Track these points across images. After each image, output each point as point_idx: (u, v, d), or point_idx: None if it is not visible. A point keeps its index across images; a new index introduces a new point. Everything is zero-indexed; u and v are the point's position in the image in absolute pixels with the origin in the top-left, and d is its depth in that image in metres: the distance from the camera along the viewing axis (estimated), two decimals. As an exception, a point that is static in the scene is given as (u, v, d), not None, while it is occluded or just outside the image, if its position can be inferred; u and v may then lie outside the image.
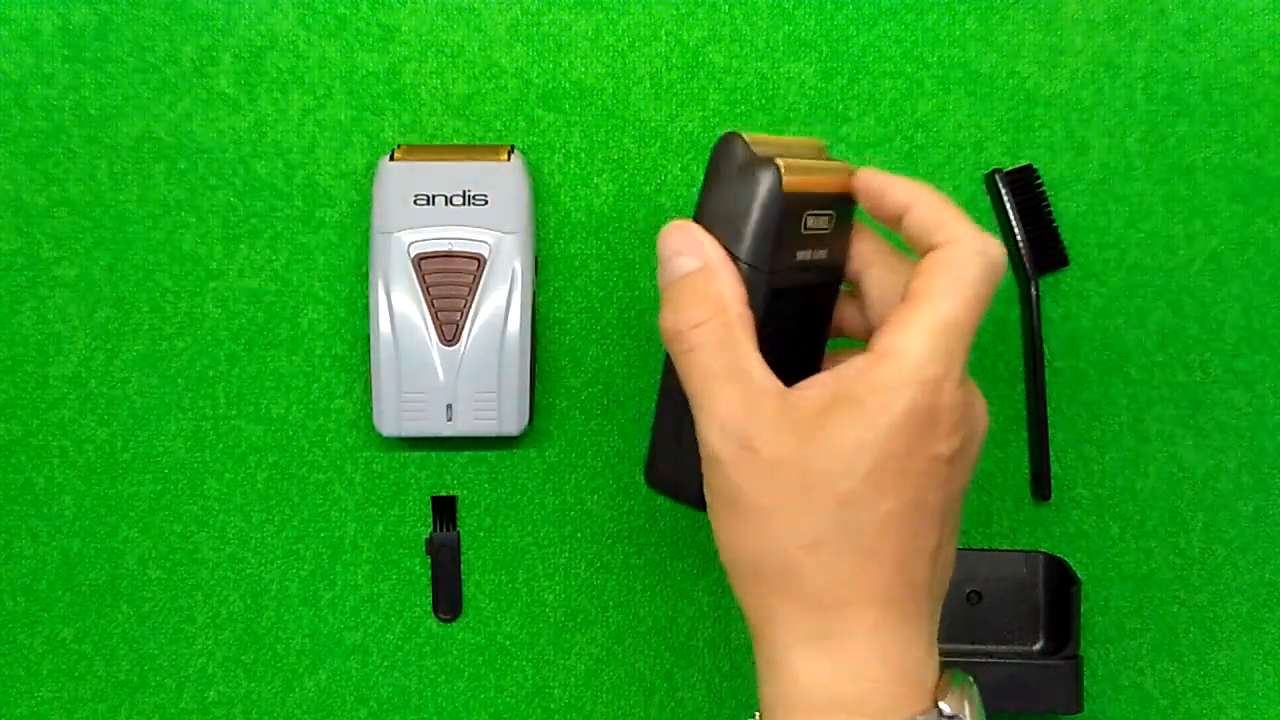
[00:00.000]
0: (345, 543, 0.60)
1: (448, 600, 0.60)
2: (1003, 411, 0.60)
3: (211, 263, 0.59)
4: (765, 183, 0.41)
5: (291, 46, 0.58)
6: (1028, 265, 0.59)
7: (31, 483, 0.59)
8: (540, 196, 0.59)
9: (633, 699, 0.60)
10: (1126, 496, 0.60)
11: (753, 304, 0.41)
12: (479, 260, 0.56)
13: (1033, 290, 0.59)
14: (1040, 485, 0.60)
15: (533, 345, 0.58)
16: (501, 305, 0.56)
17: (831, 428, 0.39)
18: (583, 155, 0.59)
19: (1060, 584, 0.59)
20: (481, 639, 0.60)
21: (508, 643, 0.60)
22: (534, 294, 0.58)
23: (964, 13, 0.59)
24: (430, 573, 0.60)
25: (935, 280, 0.41)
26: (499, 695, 0.60)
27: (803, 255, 0.44)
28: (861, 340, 0.47)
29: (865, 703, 0.40)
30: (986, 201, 0.59)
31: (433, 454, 0.60)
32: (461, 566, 0.60)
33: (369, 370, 0.58)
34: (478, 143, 0.59)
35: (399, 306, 0.56)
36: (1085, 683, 0.59)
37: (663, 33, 0.59)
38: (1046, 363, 0.59)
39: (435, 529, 0.60)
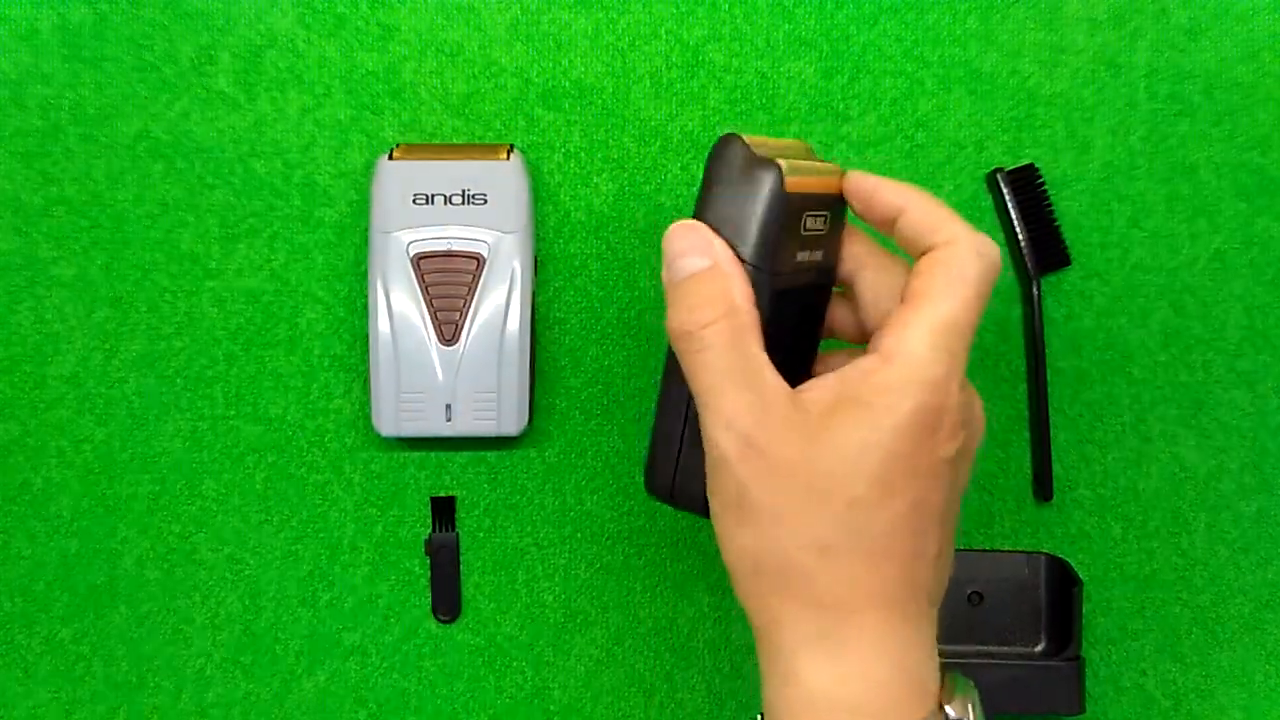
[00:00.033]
0: (344, 543, 0.60)
1: (447, 601, 0.60)
2: (1004, 411, 0.60)
3: (209, 262, 0.59)
4: (768, 183, 0.41)
5: (290, 45, 0.58)
6: (1030, 265, 0.58)
7: (29, 483, 0.59)
8: (540, 196, 0.59)
9: (633, 700, 0.60)
10: (1129, 497, 0.60)
11: (758, 305, 0.41)
12: (478, 260, 0.56)
13: (1035, 290, 0.59)
14: (1042, 485, 0.59)
15: (532, 345, 0.57)
16: (501, 305, 0.56)
17: (838, 430, 0.39)
18: (582, 154, 0.59)
19: (1062, 585, 0.58)
20: (481, 640, 0.60)
21: (507, 644, 0.60)
22: (533, 294, 0.58)
23: (965, 11, 0.59)
24: (429, 573, 0.60)
25: (935, 281, 0.41)
26: (498, 697, 0.60)
27: (802, 256, 0.43)
28: (852, 341, 0.47)
29: (871, 705, 0.40)
30: (988, 201, 0.59)
31: (432, 454, 0.60)
32: (461, 567, 0.60)
33: (368, 370, 0.58)
34: (477, 142, 0.59)
35: (398, 306, 0.56)
36: (1087, 684, 0.59)
37: (663, 31, 0.59)
38: (1048, 362, 0.59)
39: (434, 529, 0.60)
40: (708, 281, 0.41)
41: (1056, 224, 0.59)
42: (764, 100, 0.59)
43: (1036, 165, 0.59)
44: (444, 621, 0.60)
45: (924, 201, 0.42)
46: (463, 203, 0.56)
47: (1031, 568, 0.59)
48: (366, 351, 0.58)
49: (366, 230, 0.57)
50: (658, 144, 0.59)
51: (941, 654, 0.42)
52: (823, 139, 0.59)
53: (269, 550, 0.60)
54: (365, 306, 0.58)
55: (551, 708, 0.60)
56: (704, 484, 0.42)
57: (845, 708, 0.40)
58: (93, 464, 0.59)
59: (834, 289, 0.47)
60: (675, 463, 0.44)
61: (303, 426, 0.59)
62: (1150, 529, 0.60)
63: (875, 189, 0.43)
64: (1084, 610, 0.59)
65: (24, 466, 0.59)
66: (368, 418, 0.59)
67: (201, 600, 0.60)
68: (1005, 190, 0.58)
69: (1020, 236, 0.58)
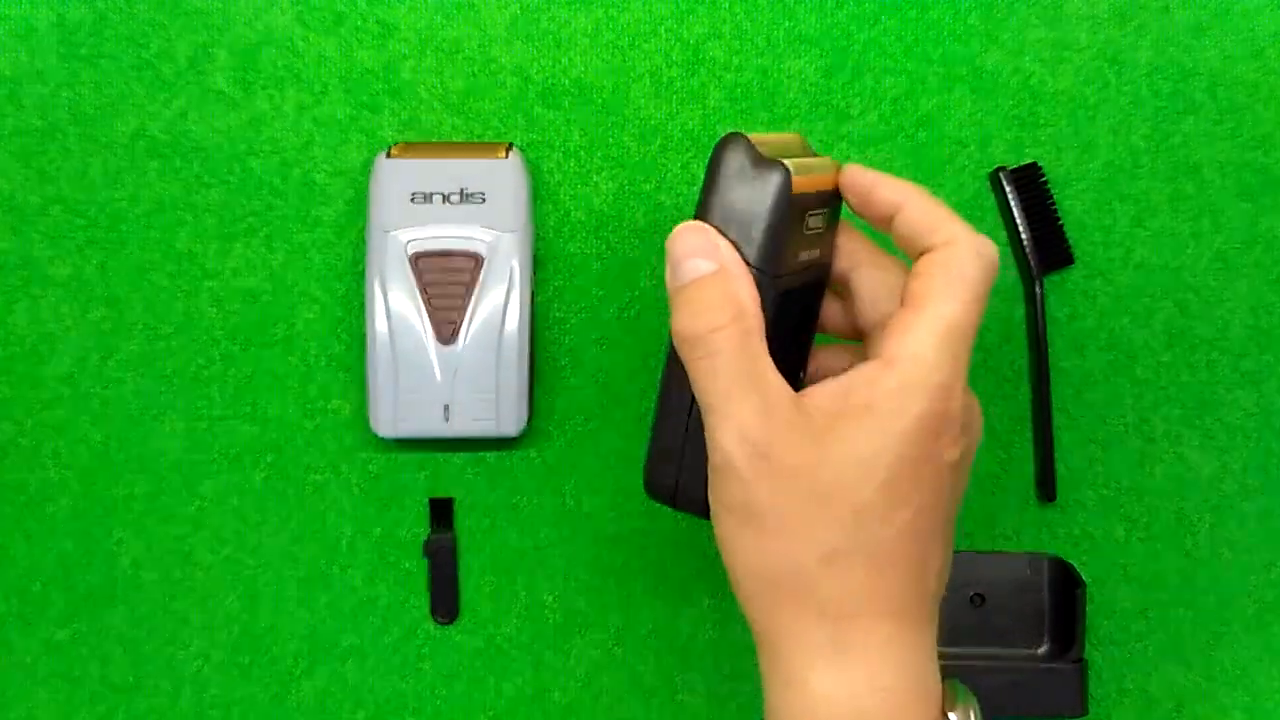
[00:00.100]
0: (342, 544, 0.59)
1: (445, 603, 0.59)
2: (1007, 412, 0.60)
3: (207, 261, 0.59)
4: (776, 185, 0.41)
5: (288, 43, 0.58)
6: (1032, 264, 0.58)
7: (25, 484, 0.59)
8: (539, 195, 0.59)
9: (632, 702, 0.60)
10: (1132, 498, 0.60)
11: (762, 307, 0.41)
12: (477, 259, 0.56)
13: (1038, 289, 0.58)
14: (1045, 486, 0.59)
15: (531, 345, 0.57)
16: (500, 305, 0.56)
17: (845, 436, 0.39)
18: (582, 153, 0.59)
19: (1065, 586, 0.58)
20: (479, 642, 0.60)
21: (506, 645, 0.60)
22: (533, 293, 0.57)
23: (967, 9, 0.59)
24: (428, 575, 0.59)
25: (935, 283, 0.40)
26: (497, 698, 0.60)
27: (804, 256, 0.43)
28: (843, 337, 0.47)
29: (876, 712, 0.39)
30: (990, 200, 0.59)
31: (430, 455, 0.59)
32: (459, 569, 0.60)
33: (365, 370, 0.57)
34: (476, 140, 0.58)
35: (396, 306, 0.56)
36: (1090, 686, 0.59)
37: (663, 29, 0.58)
38: (1051, 362, 0.59)
39: (433, 531, 0.59)
40: (715, 285, 0.41)
41: (1059, 223, 0.59)
42: (765, 98, 0.59)
43: (1039, 164, 0.59)
44: (442, 623, 0.60)
45: (922, 199, 0.42)
46: (461, 201, 0.56)
47: (1034, 569, 0.59)
48: (364, 351, 0.58)
49: (364, 229, 0.57)
50: (658, 142, 0.59)
51: (943, 656, 0.42)
52: (824, 137, 0.59)
53: (267, 551, 0.59)
54: (363, 306, 0.57)
55: (551, 710, 0.60)
56: (706, 487, 0.42)
57: (850, 714, 0.39)
58: (89, 464, 0.59)
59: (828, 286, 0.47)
60: (677, 465, 0.44)
61: (300, 427, 0.59)
62: (1154, 530, 0.60)
63: (873, 185, 0.43)
64: (1087, 612, 0.59)
65: (20, 467, 0.59)
66: (365, 418, 0.58)
67: (199, 601, 0.59)
68: (1008, 189, 0.58)
69: (1023, 236, 0.58)
